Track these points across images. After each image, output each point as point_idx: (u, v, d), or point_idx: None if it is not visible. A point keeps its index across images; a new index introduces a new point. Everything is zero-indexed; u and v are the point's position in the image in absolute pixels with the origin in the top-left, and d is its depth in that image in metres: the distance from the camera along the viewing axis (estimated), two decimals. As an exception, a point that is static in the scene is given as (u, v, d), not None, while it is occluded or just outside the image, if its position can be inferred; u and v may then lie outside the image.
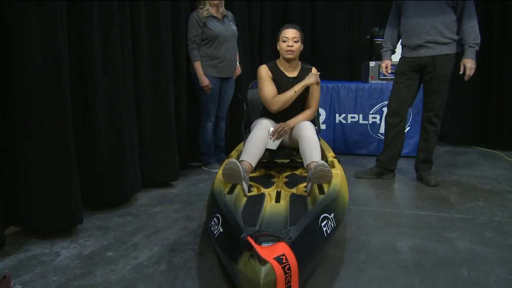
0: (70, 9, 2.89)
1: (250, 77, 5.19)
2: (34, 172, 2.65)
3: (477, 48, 3.78)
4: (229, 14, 4.57)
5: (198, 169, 4.64)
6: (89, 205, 3.21)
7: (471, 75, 3.82)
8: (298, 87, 3.44)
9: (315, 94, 3.58)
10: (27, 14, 2.52)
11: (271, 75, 3.53)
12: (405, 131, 4.26)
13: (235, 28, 4.56)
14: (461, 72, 3.84)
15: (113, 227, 2.98)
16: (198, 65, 4.30)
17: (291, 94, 3.44)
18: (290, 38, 3.43)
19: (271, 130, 3.31)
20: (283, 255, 1.79)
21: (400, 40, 4.12)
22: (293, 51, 3.44)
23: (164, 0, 3.86)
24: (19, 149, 2.62)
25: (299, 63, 3.61)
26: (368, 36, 5.58)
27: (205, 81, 4.30)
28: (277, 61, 3.60)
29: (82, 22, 3.00)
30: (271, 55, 4.95)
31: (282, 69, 3.56)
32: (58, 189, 2.70)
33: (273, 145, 3.32)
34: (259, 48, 5.96)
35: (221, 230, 2.13)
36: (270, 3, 6.11)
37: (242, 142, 3.90)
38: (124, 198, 3.42)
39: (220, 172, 3.01)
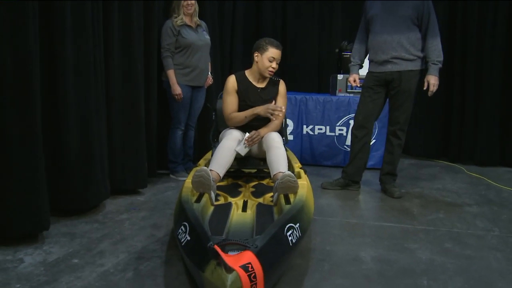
0: (43, 10, 2.86)
1: (219, 86, 5.21)
2: (1, 176, 2.60)
3: (440, 65, 3.92)
4: (203, 24, 4.60)
5: (166, 176, 4.63)
6: (56, 211, 3.16)
7: (434, 91, 3.95)
8: (249, 113, 3.46)
9: (281, 103, 3.62)
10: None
11: (236, 87, 3.56)
12: (371, 143, 4.36)
13: (208, 37, 4.59)
14: (425, 88, 3.97)
15: (80, 234, 2.94)
16: (171, 73, 4.30)
17: (242, 117, 3.50)
18: (276, 60, 3.48)
19: (246, 136, 3.33)
20: (249, 263, 1.82)
21: (368, 55, 4.22)
22: (273, 73, 3.52)
23: (137, 5, 3.86)
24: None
25: None
26: (337, 50, 5.68)
27: (177, 89, 4.30)
28: (247, 72, 3.64)
29: (54, 24, 2.97)
30: (242, 66, 4.99)
31: (251, 79, 3.61)
32: (25, 194, 2.65)
33: (244, 151, 3.33)
34: (229, 58, 5.99)
35: (188, 238, 2.14)
36: (242, 15, 6.15)
37: (210, 151, 3.92)
38: (92, 204, 3.39)
39: (188, 180, 3.02)
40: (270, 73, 3.50)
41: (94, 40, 3.29)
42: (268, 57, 3.46)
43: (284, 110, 3.50)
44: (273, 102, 3.52)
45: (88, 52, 3.20)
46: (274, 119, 3.41)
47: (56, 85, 3.03)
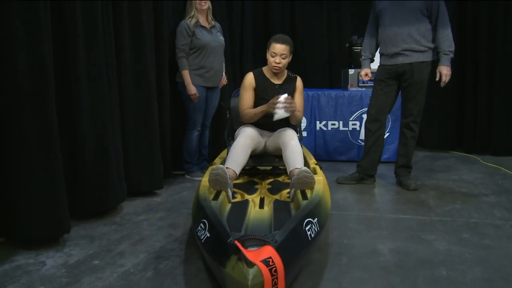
0: (54, 17, 2.89)
1: (231, 85, 5.24)
2: (21, 182, 2.65)
3: (451, 55, 3.91)
4: (217, 25, 4.62)
5: (181, 177, 4.66)
6: (74, 215, 3.19)
7: (446, 81, 3.95)
8: (259, 110, 3.49)
9: (299, 101, 3.65)
10: (12, 22, 2.54)
11: (254, 84, 3.60)
12: (385, 137, 4.36)
13: (223, 38, 4.61)
14: (437, 79, 3.96)
15: (99, 236, 2.99)
16: (186, 74, 4.32)
17: (251, 114, 3.54)
18: (278, 54, 3.49)
19: (282, 98, 3.34)
20: (270, 258, 1.85)
21: (378, 48, 4.22)
22: (279, 67, 3.53)
23: (146, 6, 3.88)
24: (6, 159, 2.63)
25: (285, 70, 3.69)
26: (347, 45, 5.69)
27: (192, 89, 4.32)
28: (264, 69, 3.68)
29: (67, 31, 3.01)
30: (252, 65, 5.01)
31: (268, 76, 3.65)
32: (46, 198, 2.70)
33: (284, 114, 3.37)
34: (239, 57, 6.01)
35: (208, 235, 2.17)
36: (251, 13, 6.17)
37: (225, 150, 3.95)
38: (109, 207, 3.43)
39: (205, 179, 3.06)
40: (275, 68, 3.53)
41: (106, 46, 3.33)
42: (271, 53, 3.51)
43: (298, 106, 3.55)
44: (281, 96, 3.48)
45: (100, 59, 3.24)
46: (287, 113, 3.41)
47: (70, 92, 3.07)
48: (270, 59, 3.53)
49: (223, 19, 5.34)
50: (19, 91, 2.59)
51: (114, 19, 3.55)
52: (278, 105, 3.34)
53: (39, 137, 2.66)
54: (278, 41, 3.49)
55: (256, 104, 3.60)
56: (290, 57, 3.59)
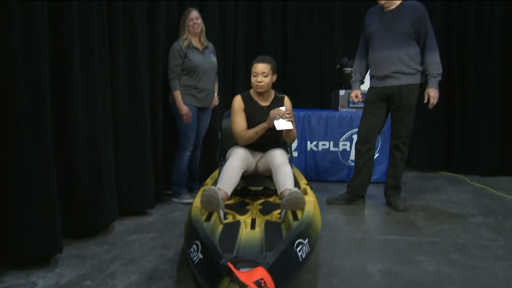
0: (51, 35, 2.93)
1: (223, 106, 5.28)
2: (15, 201, 2.65)
3: (439, 78, 4.00)
4: (210, 45, 4.64)
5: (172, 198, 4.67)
6: (66, 234, 3.18)
7: (435, 103, 4.04)
8: (259, 128, 3.55)
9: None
10: (11, 42, 2.58)
11: (243, 106, 3.65)
12: (374, 158, 4.42)
13: (215, 59, 4.64)
14: (425, 101, 4.05)
15: (90, 256, 2.99)
16: (178, 95, 4.32)
17: (252, 133, 3.58)
18: (259, 73, 3.56)
19: (283, 110, 3.46)
20: (262, 279, 1.88)
21: (369, 70, 4.31)
22: (262, 86, 3.58)
23: (142, 27, 3.94)
24: (0, 178, 2.64)
25: (272, 91, 3.74)
26: (338, 66, 5.77)
27: (184, 109, 4.31)
28: (251, 91, 3.73)
29: (63, 51, 3.05)
30: (244, 86, 5.07)
31: (255, 98, 3.69)
32: (39, 217, 2.70)
33: (287, 124, 3.46)
34: (232, 78, 6.07)
35: (201, 256, 2.20)
36: (243, 33, 6.26)
37: (217, 170, 3.97)
38: (102, 226, 3.44)
39: (197, 199, 3.08)
40: (258, 87, 3.59)
41: (101, 65, 3.37)
42: (252, 73, 3.59)
43: (292, 124, 3.59)
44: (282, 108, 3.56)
45: (95, 78, 3.28)
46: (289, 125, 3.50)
47: (65, 112, 3.10)
48: (253, 80, 3.60)
49: (216, 39, 5.39)
50: (16, 110, 2.61)
51: (109, 36, 3.59)
52: (275, 114, 3.46)
53: (34, 155, 2.68)
54: (258, 61, 3.59)
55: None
56: (274, 76, 3.65)
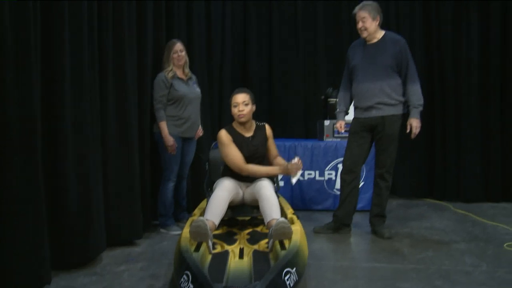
0: (43, 68, 3.01)
1: (210, 137, 5.34)
2: (4, 231, 2.65)
3: (421, 108, 4.13)
4: (193, 76, 4.69)
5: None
6: (55, 265, 3.16)
7: (416, 133, 4.17)
8: (272, 172, 3.74)
9: (273, 148, 3.90)
10: (4, 75, 2.63)
11: (231, 138, 3.72)
12: (359, 186, 4.49)
13: (199, 90, 4.68)
14: (407, 131, 4.17)
15: (79, 287, 2.99)
16: (163, 125, 4.33)
17: (263, 172, 3.68)
18: (239, 103, 3.66)
19: (295, 163, 3.61)
20: (251, 308, 1.93)
21: (352, 102, 4.42)
22: (244, 114, 3.67)
23: (131, 60, 4.03)
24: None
25: (253, 121, 3.84)
26: (323, 97, 5.87)
27: (170, 140, 4.32)
28: (233, 124, 3.81)
29: (53, 82, 3.11)
30: (230, 117, 5.14)
31: (238, 130, 3.77)
32: (28, 248, 2.71)
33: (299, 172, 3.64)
34: (218, 109, 6.16)
35: (191, 286, 2.24)
36: (229, 64, 6.38)
37: (205, 200, 4.03)
38: (91, 257, 3.44)
39: (186, 230, 3.13)
40: (240, 117, 3.68)
41: (91, 97, 3.43)
42: (233, 104, 3.70)
43: (274, 151, 3.87)
44: (295, 159, 3.67)
45: (85, 110, 3.33)
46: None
47: (55, 143, 3.13)
48: (234, 111, 3.69)
49: (203, 70, 5.49)
50: (7, 141, 2.65)
51: (100, 67, 3.66)
52: (294, 170, 3.62)
53: (25, 186, 2.70)
54: (237, 92, 3.72)
55: None
56: (253, 106, 3.75)
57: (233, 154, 3.67)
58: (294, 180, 3.61)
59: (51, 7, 3.07)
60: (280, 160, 3.89)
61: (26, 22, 2.72)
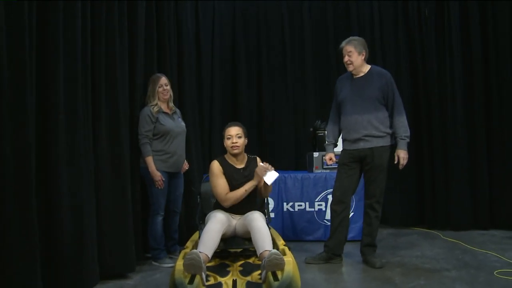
0: (37, 100, 3.06)
1: (201, 170, 5.38)
2: None
3: (408, 140, 4.23)
4: (178, 110, 4.74)
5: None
6: None
7: (404, 164, 4.25)
8: (248, 186, 3.74)
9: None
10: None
11: (222, 169, 3.80)
12: (349, 216, 4.54)
13: (184, 124, 4.71)
14: (395, 162, 4.25)
15: (73, 322, 3.01)
16: (150, 160, 4.33)
17: (242, 192, 3.74)
18: (233, 135, 3.78)
19: (265, 166, 3.76)
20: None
21: (341, 134, 4.51)
22: (238, 146, 3.78)
23: (123, 95, 4.11)
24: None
25: (245, 154, 3.94)
26: (311, 129, 5.96)
27: (158, 175, 4.33)
28: (226, 156, 3.92)
29: (47, 115, 3.17)
30: (221, 149, 5.21)
31: (231, 162, 3.87)
32: (20, 281, 2.72)
33: (274, 174, 3.74)
34: (209, 142, 6.22)
35: (187, 318, 2.27)
36: (219, 98, 6.50)
37: (197, 233, 4.06)
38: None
39: (179, 262, 3.15)
40: (234, 148, 3.80)
41: (85, 132, 3.49)
42: (227, 136, 3.82)
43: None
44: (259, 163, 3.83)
45: (79, 144, 3.39)
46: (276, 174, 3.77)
47: (49, 176, 3.17)
48: (228, 143, 3.81)
49: (193, 104, 5.56)
50: (1, 173, 2.69)
51: (93, 101, 3.73)
52: (262, 171, 3.71)
53: (18, 218, 2.73)
54: (231, 125, 3.87)
55: None
56: (246, 140, 3.87)
57: (220, 185, 3.78)
58: (268, 181, 3.67)
59: (46, 40, 3.17)
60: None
61: (21, 60, 2.80)
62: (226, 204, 3.76)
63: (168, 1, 5.13)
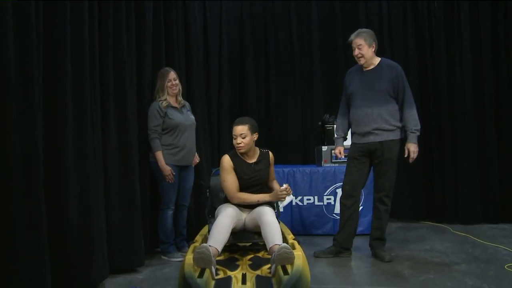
0: (45, 97, 3.06)
1: (210, 164, 5.38)
2: (4, 260, 2.66)
3: (418, 133, 4.20)
4: (187, 104, 4.72)
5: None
6: None
7: (414, 158, 4.22)
8: (262, 199, 3.78)
9: (273, 173, 4.01)
10: (7, 110, 2.69)
11: (232, 164, 3.80)
12: (359, 210, 4.53)
13: (193, 117, 4.70)
14: (405, 156, 4.22)
15: (83, 315, 3.01)
16: (159, 155, 4.34)
17: (253, 200, 3.78)
18: (238, 135, 3.76)
19: (284, 188, 3.70)
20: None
21: (350, 127, 4.49)
22: (242, 147, 3.77)
23: (131, 94, 4.10)
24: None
25: (257, 148, 3.93)
26: (320, 123, 5.95)
27: (167, 169, 4.33)
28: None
29: (56, 114, 3.17)
30: (229, 144, 5.21)
31: (242, 157, 3.85)
32: (29, 277, 2.72)
33: (290, 198, 3.78)
34: (217, 136, 6.22)
35: (197, 312, 2.27)
36: (227, 93, 6.50)
37: (206, 226, 4.06)
38: (93, 285, 3.42)
39: (189, 256, 3.15)
40: (239, 148, 3.79)
41: (93, 125, 3.49)
42: (233, 135, 3.81)
43: (273, 176, 3.96)
44: (284, 185, 3.77)
45: (87, 140, 3.38)
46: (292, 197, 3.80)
47: (57, 172, 3.16)
48: (234, 141, 3.80)
49: (201, 99, 5.56)
50: (9, 172, 2.68)
51: (101, 98, 3.73)
52: (283, 194, 3.69)
53: (26, 214, 2.73)
54: (236, 124, 3.81)
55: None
56: (255, 135, 3.84)
57: (230, 181, 3.78)
58: (281, 206, 3.69)
59: (52, 36, 3.15)
60: (275, 184, 4.01)
61: (29, 55, 2.79)
62: (234, 201, 3.78)
63: (176, 1, 5.13)
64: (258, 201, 3.75)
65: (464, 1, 5.96)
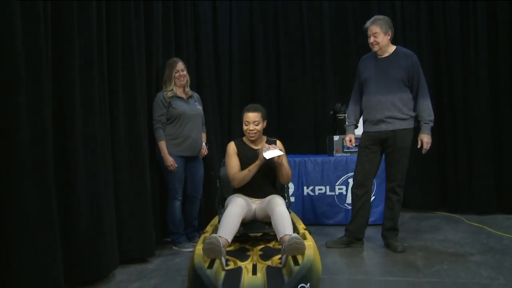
0: (54, 86, 3.04)
1: (221, 154, 5.35)
2: (17, 249, 2.66)
3: (431, 124, 4.13)
4: (195, 95, 4.68)
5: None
6: (67, 282, 3.13)
7: (427, 149, 4.16)
8: (251, 166, 3.71)
9: (285, 162, 3.86)
10: (17, 101, 2.67)
11: (236, 150, 3.83)
12: (371, 200, 4.48)
13: (201, 108, 4.66)
14: (418, 147, 4.16)
15: (93, 305, 3.01)
16: (162, 145, 4.32)
17: (246, 172, 3.74)
18: (251, 122, 3.76)
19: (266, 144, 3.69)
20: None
21: (362, 115, 4.43)
22: (255, 133, 3.77)
23: (140, 88, 4.08)
24: (5, 228, 2.65)
25: (264, 137, 3.94)
26: (331, 112, 5.89)
27: (169, 160, 4.31)
28: (244, 138, 3.92)
29: (64, 101, 3.16)
30: (239, 131, 5.17)
31: (248, 144, 3.87)
32: (41, 266, 2.72)
33: (276, 151, 3.66)
34: (228, 126, 6.20)
35: (206, 303, 2.24)
36: (238, 82, 6.46)
37: (216, 217, 4.04)
38: (103, 274, 3.44)
39: (199, 247, 3.14)
40: (251, 135, 3.80)
41: (101, 116, 3.48)
42: (245, 122, 3.80)
43: (286, 165, 3.82)
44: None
45: (96, 131, 3.38)
46: (278, 160, 3.70)
47: (66, 162, 3.16)
48: (245, 128, 3.81)
49: (212, 89, 5.53)
50: (20, 162, 2.68)
51: (110, 90, 3.71)
52: (265, 149, 3.66)
53: (37, 205, 2.72)
54: (249, 110, 3.80)
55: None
56: (265, 123, 3.85)
57: (231, 165, 3.82)
58: (267, 156, 3.61)
59: (60, 30, 3.13)
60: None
61: (38, 49, 2.77)
62: (234, 183, 3.80)
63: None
64: (249, 170, 3.71)
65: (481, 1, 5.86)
